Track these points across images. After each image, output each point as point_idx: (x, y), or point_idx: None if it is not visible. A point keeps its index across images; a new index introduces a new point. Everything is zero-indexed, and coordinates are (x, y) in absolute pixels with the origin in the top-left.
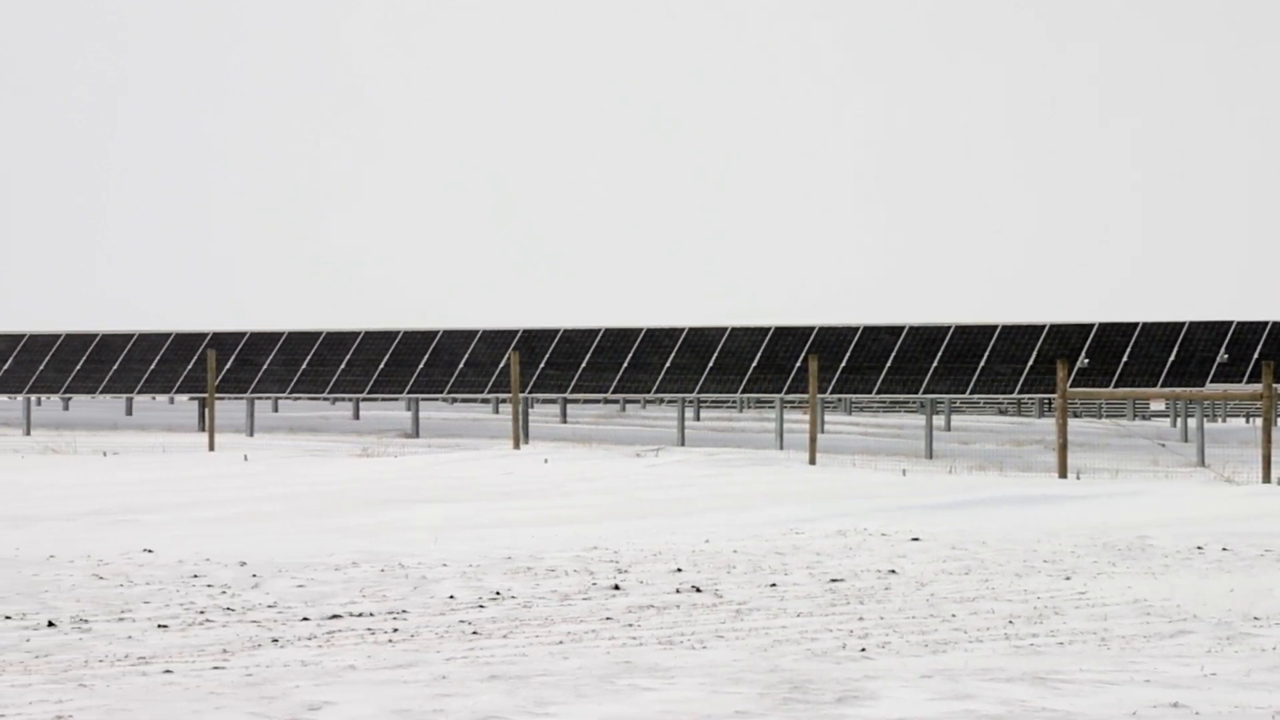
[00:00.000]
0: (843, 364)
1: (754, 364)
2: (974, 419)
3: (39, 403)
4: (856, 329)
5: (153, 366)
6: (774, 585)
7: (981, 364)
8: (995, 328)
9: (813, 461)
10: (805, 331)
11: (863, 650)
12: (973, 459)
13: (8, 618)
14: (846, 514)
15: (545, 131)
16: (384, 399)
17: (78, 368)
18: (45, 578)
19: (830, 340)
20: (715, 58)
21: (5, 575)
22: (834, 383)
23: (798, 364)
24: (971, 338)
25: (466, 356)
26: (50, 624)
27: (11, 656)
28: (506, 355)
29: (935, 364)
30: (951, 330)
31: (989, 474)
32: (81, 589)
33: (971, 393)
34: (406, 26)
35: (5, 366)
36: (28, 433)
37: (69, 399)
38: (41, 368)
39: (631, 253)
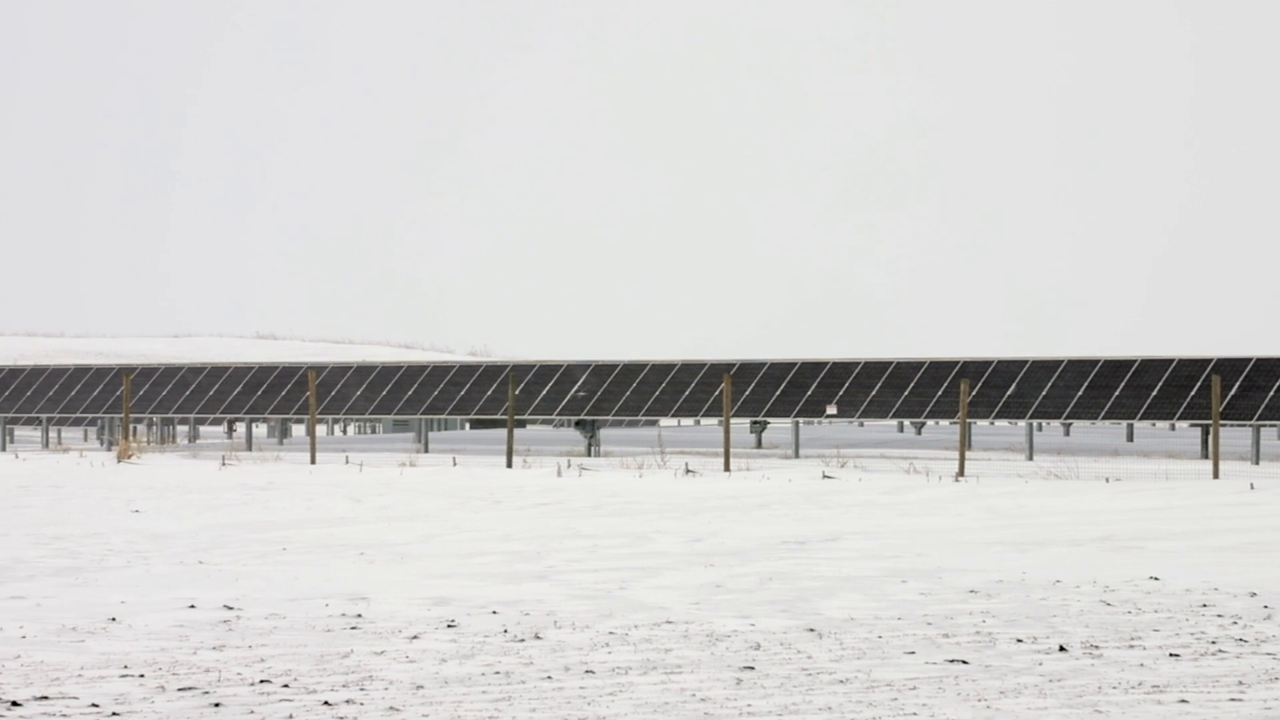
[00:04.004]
0: None
1: None
2: None
3: (1040, 428)
4: None
5: (1154, 394)
6: None
7: None
8: None
9: None
10: None
11: None
12: None
13: (1019, 640)
14: None
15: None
16: None
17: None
18: (1053, 602)
19: None
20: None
21: (1014, 598)
22: None
23: None
24: None
25: None
26: (1061, 648)
27: (1025, 679)
28: None
29: None
30: None
31: None
32: (1090, 614)
33: None
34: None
35: (1015, 390)
36: (1030, 457)
37: (1069, 424)
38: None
39: None
